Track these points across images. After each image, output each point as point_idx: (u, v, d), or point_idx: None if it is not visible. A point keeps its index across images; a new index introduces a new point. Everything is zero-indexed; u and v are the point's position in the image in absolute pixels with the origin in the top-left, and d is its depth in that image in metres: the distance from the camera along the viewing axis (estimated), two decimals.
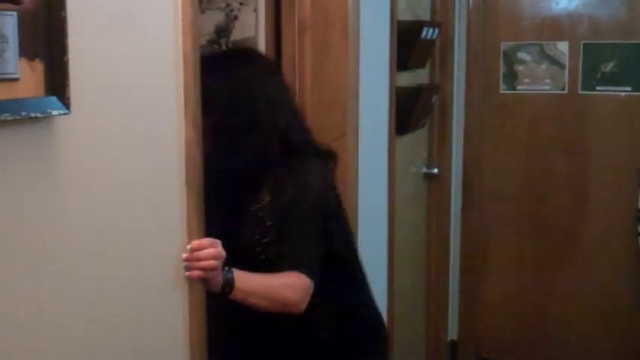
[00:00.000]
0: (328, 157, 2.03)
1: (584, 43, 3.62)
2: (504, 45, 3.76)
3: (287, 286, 1.82)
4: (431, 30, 3.21)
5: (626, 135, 3.62)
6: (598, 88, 3.63)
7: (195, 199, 1.60)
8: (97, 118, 1.37)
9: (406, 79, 3.21)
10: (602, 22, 3.60)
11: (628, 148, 3.62)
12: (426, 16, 3.49)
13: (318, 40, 2.42)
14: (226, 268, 1.71)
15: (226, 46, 2.47)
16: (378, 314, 2.17)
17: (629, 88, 3.58)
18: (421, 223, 3.69)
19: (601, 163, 3.68)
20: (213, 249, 1.62)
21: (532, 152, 3.79)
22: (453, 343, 3.99)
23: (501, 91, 3.80)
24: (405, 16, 3.16)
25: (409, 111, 3.16)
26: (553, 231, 3.80)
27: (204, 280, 1.66)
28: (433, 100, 3.44)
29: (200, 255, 1.60)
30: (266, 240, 1.89)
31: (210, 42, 2.46)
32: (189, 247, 1.61)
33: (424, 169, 3.64)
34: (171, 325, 1.61)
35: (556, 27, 3.67)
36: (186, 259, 1.61)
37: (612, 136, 3.65)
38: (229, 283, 1.71)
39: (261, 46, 2.44)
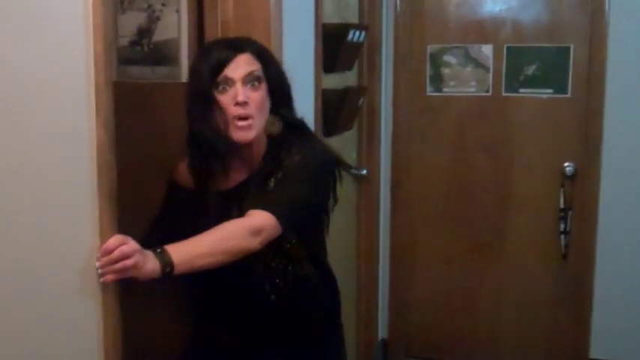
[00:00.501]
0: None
1: (507, 47, 3.70)
2: (431, 48, 3.82)
3: (233, 232, 1.78)
4: (357, 32, 3.25)
5: (548, 136, 3.71)
6: (521, 90, 3.71)
7: (108, 203, 1.60)
8: (4, 119, 1.35)
9: (333, 81, 3.24)
10: (525, 26, 3.68)
11: (551, 149, 3.72)
12: (353, 19, 3.53)
13: None
14: (158, 249, 1.66)
15: (148, 47, 2.46)
16: None
17: (550, 91, 3.67)
18: (351, 224, 3.72)
19: (525, 163, 3.77)
20: (124, 246, 1.59)
21: (458, 153, 3.85)
22: (384, 342, 4.04)
23: (428, 94, 3.85)
24: (332, 19, 3.20)
25: (336, 113, 3.18)
26: (480, 229, 3.87)
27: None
28: (360, 102, 3.48)
29: (112, 257, 1.59)
30: None
31: (132, 43, 2.44)
32: (98, 254, 1.59)
33: (353, 171, 3.67)
34: (85, 334, 1.60)
35: (480, 30, 3.74)
36: (100, 266, 1.59)
37: (535, 137, 3.74)
38: (168, 263, 1.65)
39: (184, 47, 2.44)
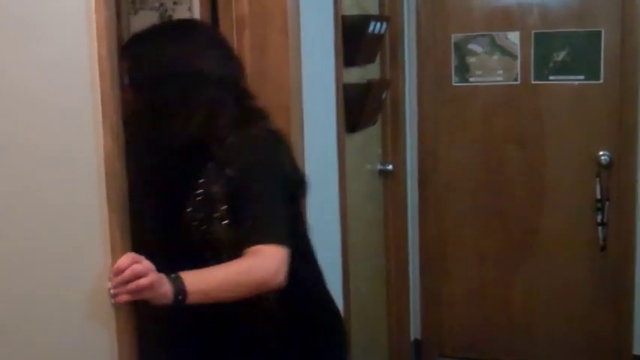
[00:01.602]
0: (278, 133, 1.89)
1: (535, 33, 3.57)
2: (455, 37, 3.69)
3: (254, 267, 1.66)
4: (378, 24, 3.13)
5: (581, 124, 3.57)
6: (551, 77, 3.57)
7: (118, 215, 1.50)
8: (6, 131, 1.26)
9: (355, 75, 3.13)
10: (553, 11, 3.54)
11: (584, 138, 3.58)
12: (373, 10, 3.41)
13: (257, 38, 2.32)
14: (172, 275, 1.56)
15: None
16: (331, 302, 2.03)
17: (582, 77, 3.53)
18: (378, 221, 3.61)
19: (557, 153, 3.63)
20: (137, 265, 1.48)
21: (487, 145, 3.73)
22: (417, 342, 3.92)
23: (454, 84, 3.73)
24: (351, 10, 3.08)
25: (359, 108, 3.07)
26: (512, 224, 3.74)
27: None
28: (384, 95, 3.36)
29: (125, 277, 1.48)
30: (216, 215, 1.74)
31: None
32: (110, 274, 1.49)
33: (379, 166, 3.56)
34: (99, 356, 1.50)
35: (506, 17, 3.61)
36: (112, 287, 1.49)
37: (567, 126, 3.60)
38: (180, 291, 1.55)
39: None
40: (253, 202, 1.72)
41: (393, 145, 3.61)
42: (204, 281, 1.61)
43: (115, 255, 1.50)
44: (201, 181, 1.76)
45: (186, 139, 1.74)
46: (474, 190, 3.79)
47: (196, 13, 2.37)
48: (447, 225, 3.84)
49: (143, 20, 2.33)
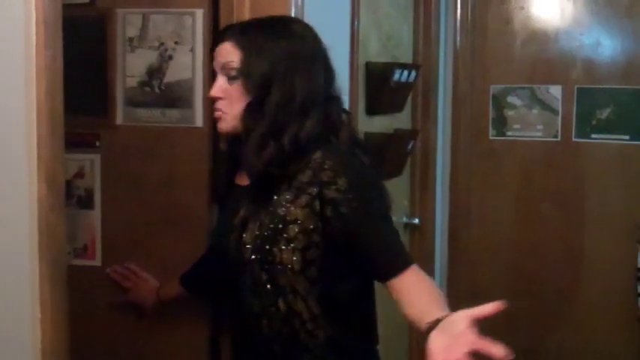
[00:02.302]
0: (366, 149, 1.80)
1: (578, 88, 3.40)
2: (493, 88, 3.54)
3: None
4: (406, 72, 3.00)
5: (623, 187, 3.37)
6: (593, 135, 3.39)
7: (51, 271, 1.39)
8: None
9: (380, 123, 3.00)
10: (598, 66, 3.37)
11: (626, 201, 3.37)
12: (406, 57, 3.28)
13: None
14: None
15: (159, 88, 2.28)
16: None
17: (626, 137, 3.34)
18: None
19: (597, 216, 3.43)
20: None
21: (523, 203, 3.55)
22: None
23: (490, 137, 3.57)
24: (379, 58, 2.96)
25: (380, 158, 2.94)
26: (545, 288, 3.55)
27: None
28: (410, 145, 3.21)
29: None
30: (285, 236, 1.65)
31: (141, 83, 2.27)
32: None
33: (404, 219, 3.40)
34: None
35: (548, 70, 3.45)
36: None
37: (609, 188, 3.40)
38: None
39: (199, 89, 2.24)
40: (374, 230, 1.65)
41: (421, 198, 3.45)
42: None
43: (45, 309, 1.39)
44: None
45: (297, 143, 1.66)
46: (506, 250, 3.60)
47: (198, 55, 2.28)
48: (478, 285, 3.64)
49: (140, 59, 2.25)
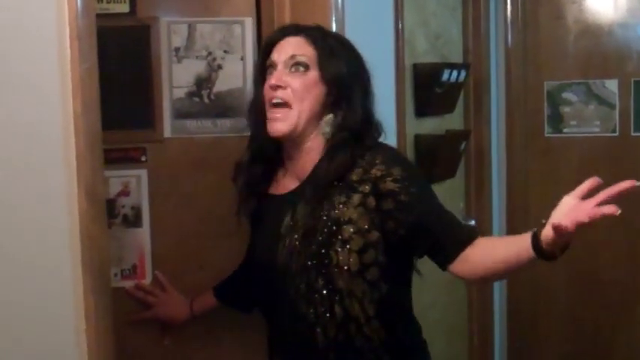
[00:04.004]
0: None
1: (635, 81, 3.30)
2: (548, 84, 3.46)
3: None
4: (455, 72, 2.96)
5: None
6: None
7: (95, 283, 1.41)
8: None
9: (431, 125, 2.97)
10: None
11: None
12: (456, 57, 3.24)
13: None
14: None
15: (208, 98, 2.28)
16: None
17: None
18: (459, 283, 3.38)
19: None
20: None
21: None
22: None
23: (546, 135, 3.49)
24: (426, 57, 2.93)
25: (431, 160, 2.90)
26: (610, 287, 3.44)
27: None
28: (462, 146, 3.16)
29: None
30: (347, 247, 1.63)
31: (190, 94, 2.27)
32: None
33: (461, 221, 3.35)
34: None
35: (604, 64, 3.36)
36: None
37: None
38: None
39: (249, 97, 2.25)
40: (442, 217, 1.68)
41: (477, 199, 3.40)
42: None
43: (89, 321, 1.41)
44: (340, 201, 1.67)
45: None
46: (568, 251, 3.49)
47: (249, 63, 2.28)
48: (538, 287, 3.56)
49: (188, 70, 2.24)
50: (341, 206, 1.65)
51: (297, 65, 1.71)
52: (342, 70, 1.72)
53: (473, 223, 3.34)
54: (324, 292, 1.65)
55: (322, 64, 1.71)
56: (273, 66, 1.74)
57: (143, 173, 2.17)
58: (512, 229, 3.55)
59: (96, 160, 1.41)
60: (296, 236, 1.67)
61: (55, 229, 1.38)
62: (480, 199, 3.40)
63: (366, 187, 1.64)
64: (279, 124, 1.70)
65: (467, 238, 1.64)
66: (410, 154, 2.75)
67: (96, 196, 1.41)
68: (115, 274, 2.10)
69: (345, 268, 1.63)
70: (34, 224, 1.35)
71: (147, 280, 2.13)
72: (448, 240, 1.65)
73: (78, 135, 1.37)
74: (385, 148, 1.74)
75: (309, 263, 1.65)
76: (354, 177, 1.66)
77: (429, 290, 2.97)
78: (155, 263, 2.17)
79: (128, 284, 2.12)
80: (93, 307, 1.41)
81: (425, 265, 2.87)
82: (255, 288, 1.86)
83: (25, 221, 1.34)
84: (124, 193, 2.15)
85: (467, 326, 3.41)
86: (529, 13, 3.47)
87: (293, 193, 1.75)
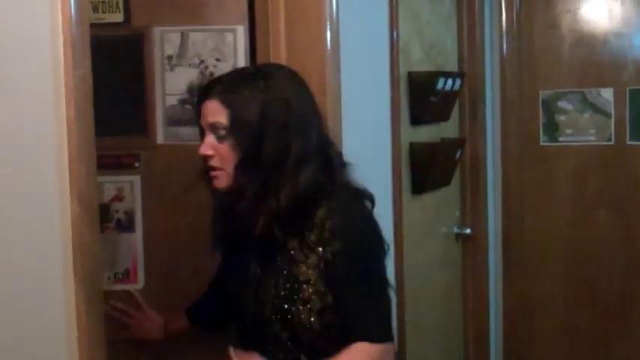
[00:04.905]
0: (365, 195, 1.76)
1: (630, 90, 3.32)
2: (543, 93, 3.47)
3: None
4: (450, 80, 2.96)
5: None
6: None
7: (86, 290, 1.40)
8: None
9: (426, 133, 2.97)
10: None
11: None
12: (451, 65, 3.24)
13: None
14: None
15: None
16: None
17: None
18: (455, 288, 3.39)
19: None
20: None
21: (578, 209, 3.47)
22: None
23: (542, 143, 3.50)
24: (421, 66, 2.93)
25: (426, 168, 2.90)
26: (606, 295, 3.45)
27: None
28: (457, 155, 3.16)
29: None
30: (308, 306, 1.64)
31: (182, 102, 2.27)
32: None
33: (456, 230, 3.35)
34: None
35: (599, 73, 3.37)
36: None
37: None
38: None
39: None
40: (353, 290, 1.65)
41: (472, 207, 3.40)
42: None
43: (81, 326, 1.40)
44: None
45: (295, 199, 1.63)
46: (563, 258, 3.52)
47: None
48: (534, 294, 3.56)
49: (180, 78, 2.25)
50: (301, 264, 1.65)
51: (217, 131, 1.67)
52: (255, 126, 1.64)
53: (468, 231, 3.35)
54: (289, 343, 1.67)
55: (236, 127, 1.65)
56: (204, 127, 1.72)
57: (136, 179, 2.19)
58: (508, 238, 3.56)
59: (89, 166, 1.41)
60: (262, 287, 1.70)
61: (46, 235, 1.37)
62: (475, 207, 3.40)
63: (319, 249, 1.64)
64: (218, 181, 1.70)
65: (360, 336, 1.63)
66: (405, 162, 2.75)
67: (88, 201, 1.41)
68: (109, 278, 2.13)
69: (308, 326, 1.65)
70: (25, 230, 1.34)
71: (139, 285, 2.16)
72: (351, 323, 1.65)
73: (71, 141, 1.37)
74: (340, 207, 1.67)
75: (273, 317, 1.67)
76: (313, 237, 1.65)
77: (425, 297, 2.98)
78: (147, 268, 2.19)
79: (122, 287, 2.15)
80: (84, 315, 1.41)
81: (422, 271, 2.90)
82: (226, 309, 1.85)
83: (16, 226, 1.33)
84: (118, 198, 2.18)
85: (462, 334, 3.41)
86: (524, 21, 3.48)
87: (262, 238, 1.73)
